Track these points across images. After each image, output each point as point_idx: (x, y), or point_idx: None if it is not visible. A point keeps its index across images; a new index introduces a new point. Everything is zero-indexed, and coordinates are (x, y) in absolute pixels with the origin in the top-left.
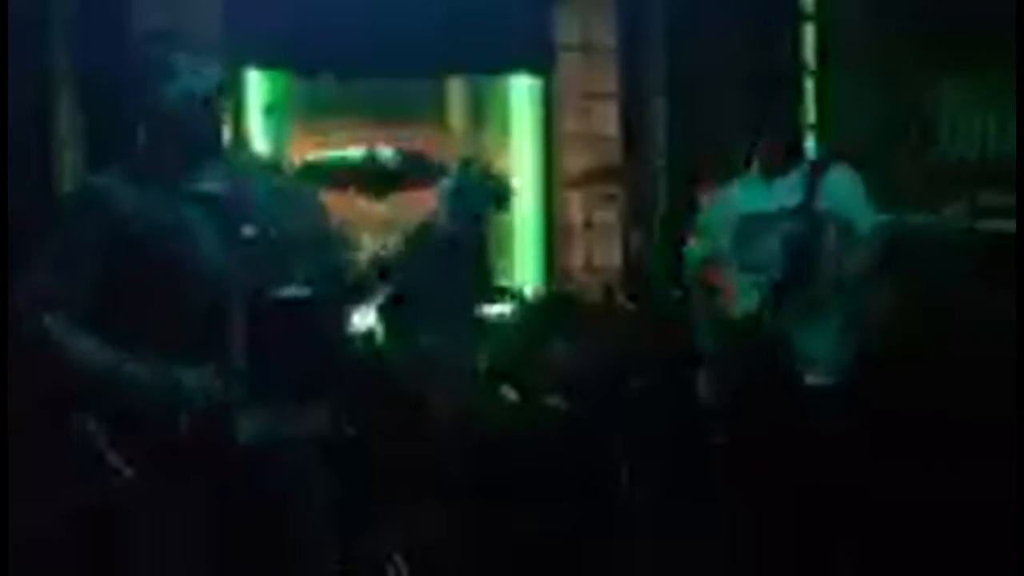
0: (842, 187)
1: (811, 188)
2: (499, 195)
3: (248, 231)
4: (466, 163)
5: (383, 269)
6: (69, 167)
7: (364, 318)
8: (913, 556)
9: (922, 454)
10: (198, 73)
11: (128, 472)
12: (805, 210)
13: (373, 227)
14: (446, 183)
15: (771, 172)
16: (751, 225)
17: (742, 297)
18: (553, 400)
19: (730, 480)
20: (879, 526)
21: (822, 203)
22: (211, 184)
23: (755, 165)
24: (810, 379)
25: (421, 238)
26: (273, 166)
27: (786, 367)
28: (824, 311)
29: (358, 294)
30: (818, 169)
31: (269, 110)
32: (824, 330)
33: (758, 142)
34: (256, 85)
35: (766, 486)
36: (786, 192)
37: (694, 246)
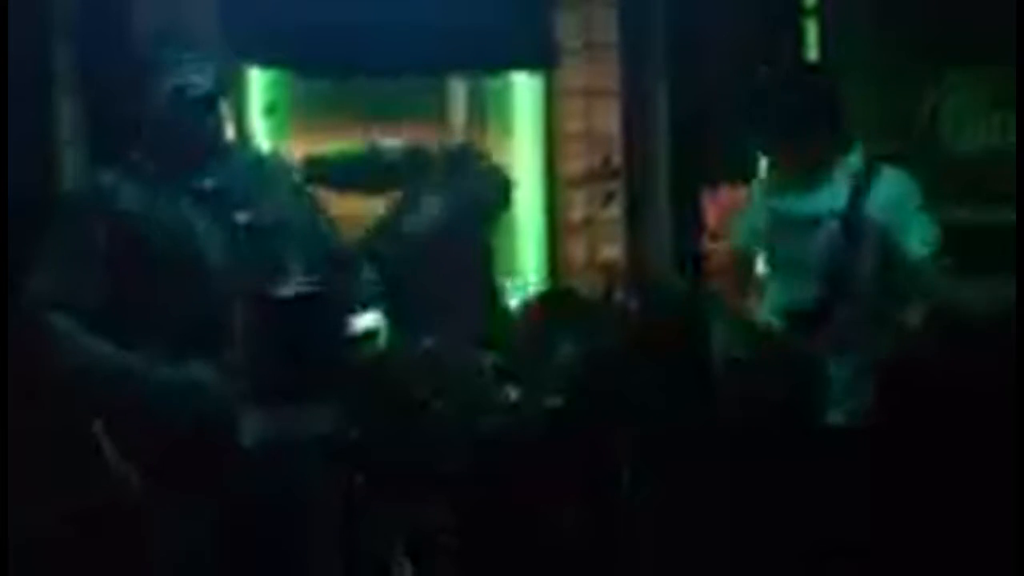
0: (893, 194)
1: (856, 192)
2: (501, 188)
3: (250, 228)
4: (472, 155)
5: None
6: (71, 166)
7: (366, 316)
8: None
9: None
10: (200, 71)
11: (132, 473)
12: (848, 217)
13: (365, 225)
14: (453, 176)
15: (811, 170)
16: (786, 226)
17: (771, 303)
18: (556, 398)
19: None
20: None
21: (868, 211)
22: (214, 182)
23: (791, 162)
24: (832, 418)
25: (427, 231)
26: (276, 163)
27: (812, 398)
28: (859, 339)
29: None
30: (867, 171)
31: (270, 109)
32: (850, 362)
33: (796, 137)
34: (256, 84)
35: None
36: (828, 194)
37: (736, 239)
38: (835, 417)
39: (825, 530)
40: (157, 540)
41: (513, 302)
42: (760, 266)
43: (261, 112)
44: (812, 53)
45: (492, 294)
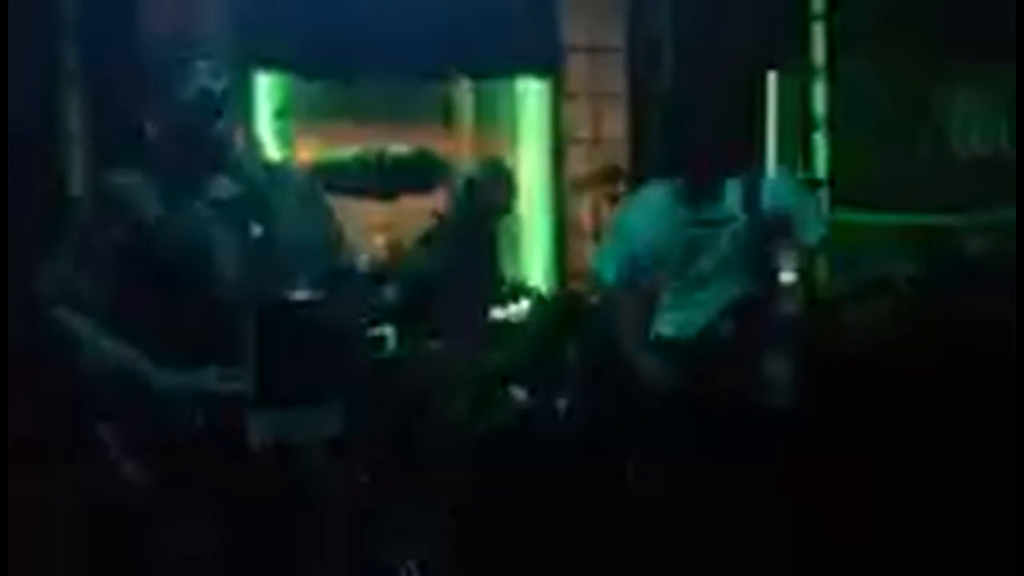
0: (784, 193)
1: (750, 195)
2: (510, 192)
3: (260, 234)
4: (479, 160)
5: (382, 274)
6: (78, 166)
7: (375, 320)
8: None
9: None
10: (211, 75)
11: (137, 473)
12: (749, 219)
13: (374, 230)
14: (459, 180)
15: (705, 178)
16: (687, 234)
17: (677, 311)
18: (563, 400)
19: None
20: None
21: (765, 210)
22: (224, 187)
23: (684, 170)
24: (773, 401)
25: (435, 237)
26: (284, 168)
27: (751, 391)
28: (782, 328)
29: (367, 295)
30: (756, 175)
31: (279, 113)
32: (782, 348)
33: (690, 146)
34: (264, 88)
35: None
36: (725, 200)
37: (609, 249)
38: (778, 398)
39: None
40: (162, 542)
41: (520, 305)
42: (663, 275)
43: (271, 116)
44: (819, 56)
45: (499, 295)
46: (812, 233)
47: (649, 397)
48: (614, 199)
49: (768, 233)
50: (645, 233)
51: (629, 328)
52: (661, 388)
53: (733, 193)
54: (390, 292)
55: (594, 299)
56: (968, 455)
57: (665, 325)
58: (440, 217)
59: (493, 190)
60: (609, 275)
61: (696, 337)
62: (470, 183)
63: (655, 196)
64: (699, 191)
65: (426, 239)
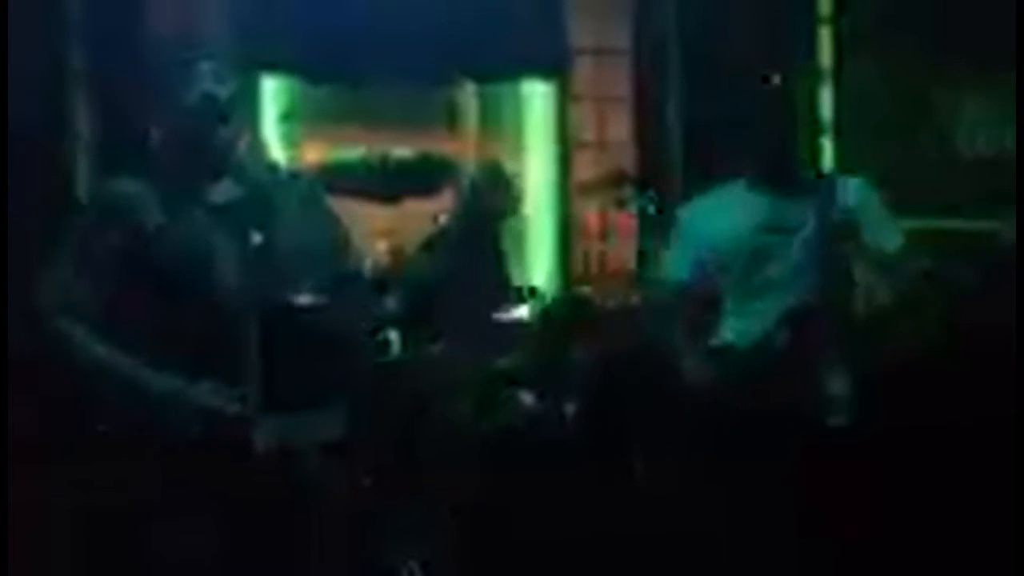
0: (859, 202)
1: (824, 203)
2: (514, 195)
3: (264, 239)
4: (484, 163)
5: (386, 278)
6: (82, 170)
7: (379, 324)
8: None
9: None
10: (216, 79)
11: (142, 477)
12: (820, 227)
13: (378, 234)
14: (464, 183)
15: (777, 183)
16: (754, 242)
17: (738, 319)
18: (569, 403)
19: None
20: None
21: (839, 220)
22: (228, 191)
23: (756, 174)
24: (833, 421)
25: (439, 241)
26: (289, 172)
27: (810, 407)
28: (850, 344)
29: (371, 300)
30: (831, 182)
31: (284, 117)
32: (847, 364)
33: (759, 148)
34: (269, 92)
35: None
36: (796, 207)
37: (678, 251)
38: (836, 420)
39: (829, 530)
40: (164, 545)
41: (526, 308)
42: (728, 284)
43: (275, 120)
44: (826, 59)
45: (504, 298)
46: (889, 240)
47: (696, 404)
48: (620, 203)
49: (837, 240)
50: (713, 237)
51: (687, 333)
52: (709, 396)
53: (803, 199)
54: (394, 296)
55: (609, 303)
56: (980, 461)
57: (727, 332)
58: (438, 220)
59: (494, 193)
60: (682, 276)
61: (752, 347)
62: (472, 186)
63: (723, 199)
64: (770, 196)
65: (429, 243)
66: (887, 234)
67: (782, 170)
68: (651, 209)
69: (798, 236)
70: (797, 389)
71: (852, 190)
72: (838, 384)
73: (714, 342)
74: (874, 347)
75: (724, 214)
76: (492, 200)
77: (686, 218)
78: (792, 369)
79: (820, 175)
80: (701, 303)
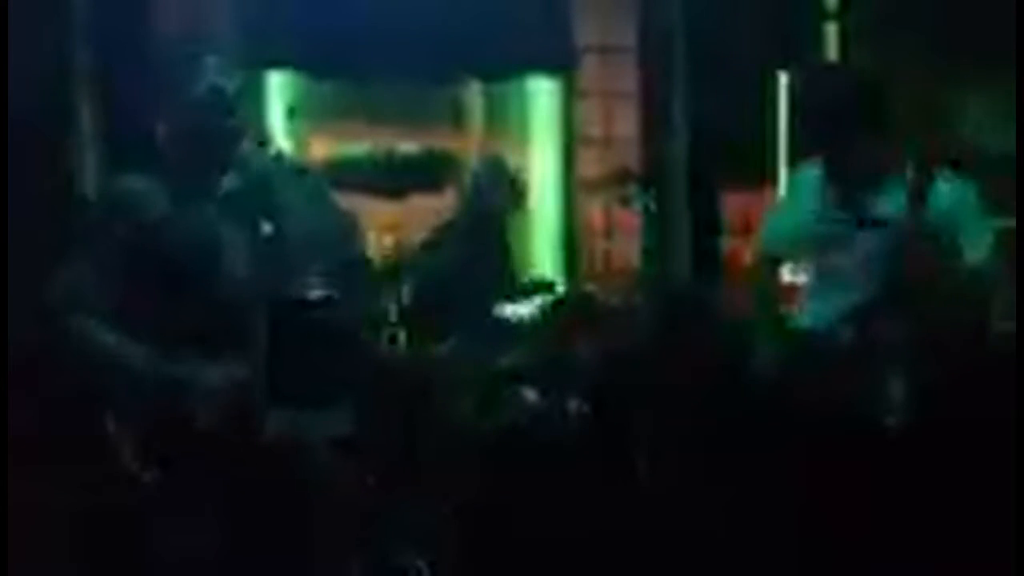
0: (951, 200)
1: (913, 197)
2: (518, 190)
3: (271, 232)
4: (486, 158)
5: (392, 273)
6: (89, 166)
7: (385, 318)
8: None
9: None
10: (222, 74)
11: (148, 470)
12: (905, 222)
13: (383, 230)
14: (467, 178)
15: (866, 171)
16: (835, 229)
17: (814, 309)
18: (573, 400)
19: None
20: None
21: (925, 216)
22: (232, 184)
23: (836, 159)
24: (889, 421)
25: (444, 235)
26: (294, 166)
27: (863, 404)
28: (912, 346)
29: (377, 295)
30: (923, 176)
31: (290, 112)
32: (908, 365)
33: (856, 136)
34: (275, 87)
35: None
36: (881, 197)
37: (763, 240)
38: (898, 417)
39: (865, 530)
40: (171, 541)
41: (531, 305)
42: (795, 274)
43: (282, 115)
44: (832, 56)
45: (510, 295)
46: (975, 246)
47: (757, 390)
48: (625, 200)
49: (920, 238)
50: (799, 213)
51: (765, 308)
52: (774, 381)
53: (890, 193)
54: (400, 292)
55: (613, 300)
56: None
57: (805, 315)
58: (441, 216)
59: (497, 188)
60: (770, 247)
61: (820, 337)
62: (474, 182)
63: (807, 178)
64: (844, 186)
65: (432, 239)
66: (976, 237)
67: (853, 161)
68: (653, 206)
69: (872, 230)
70: (852, 386)
71: (947, 188)
72: (897, 385)
73: (792, 323)
74: (940, 351)
75: (803, 193)
76: (494, 195)
77: (792, 183)
78: (850, 366)
79: (913, 167)
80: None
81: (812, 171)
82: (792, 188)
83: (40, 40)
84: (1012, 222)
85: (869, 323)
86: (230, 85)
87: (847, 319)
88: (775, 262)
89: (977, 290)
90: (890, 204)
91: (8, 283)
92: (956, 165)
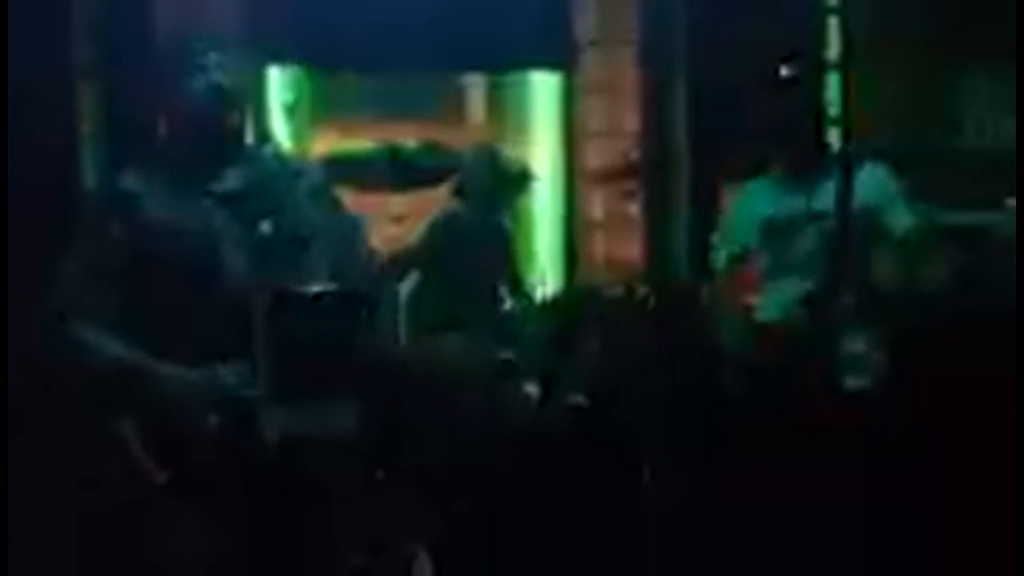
0: (874, 187)
1: (841, 188)
2: (511, 176)
3: (273, 228)
4: (478, 146)
5: (393, 267)
6: (92, 164)
7: (388, 313)
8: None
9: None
10: (224, 69)
11: (159, 473)
12: (836, 212)
13: (386, 223)
14: (460, 167)
15: (798, 172)
16: (780, 227)
17: (772, 300)
18: (575, 396)
19: (759, 481)
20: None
21: (854, 204)
22: (234, 181)
23: (780, 164)
24: (849, 383)
25: (443, 228)
26: (297, 162)
27: (826, 373)
28: (862, 318)
29: (379, 288)
30: (848, 168)
31: (291, 107)
32: (862, 335)
33: (782, 141)
34: (276, 82)
35: (798, 490)
36: (815, 193)
37: (720, 244)
38: (859, 380)
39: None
40: (176, 537)
41: (532, 299)
42: (761, 267)
43: (281, 111)
44: (833, 49)
45: (512, 288)
46: (898, 225)
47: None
48: (629, 194)
49: (856, 227)
50: (744, 223)
51: (726, 315)
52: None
53: (827, 187)
54: (401, 285)
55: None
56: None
57: (759, 312)
58: (449, 215)
59: (486, 174)
60: (719, 264)
61: (772, 325)
62: (465, 169)
63: (754, 188)
64: (792, 184)
65: (428, 231)
66: (900, 217)
67: (800, 159)
68: (654, 201)
69: (816, 224)
70: (814, 363)
71: (870, 177)
72: (856, 351)
73: (752, 320)
74: (887, 321)
75: (752, 201)
76: (485, 181)
77: (732, 207)
78: (809, 346)
79: (841, 163)
80: (744, 286)
81: (750, 186)
82: (734, 208)
83: (40, 36)
84: (953, 216)
85: (821, 308)
86: (232, 81)
87: (799, 305)
88: (739, 259)
89: (905, 262)
90: (826, 198)
91: (9, 283)
92: (879, 156)
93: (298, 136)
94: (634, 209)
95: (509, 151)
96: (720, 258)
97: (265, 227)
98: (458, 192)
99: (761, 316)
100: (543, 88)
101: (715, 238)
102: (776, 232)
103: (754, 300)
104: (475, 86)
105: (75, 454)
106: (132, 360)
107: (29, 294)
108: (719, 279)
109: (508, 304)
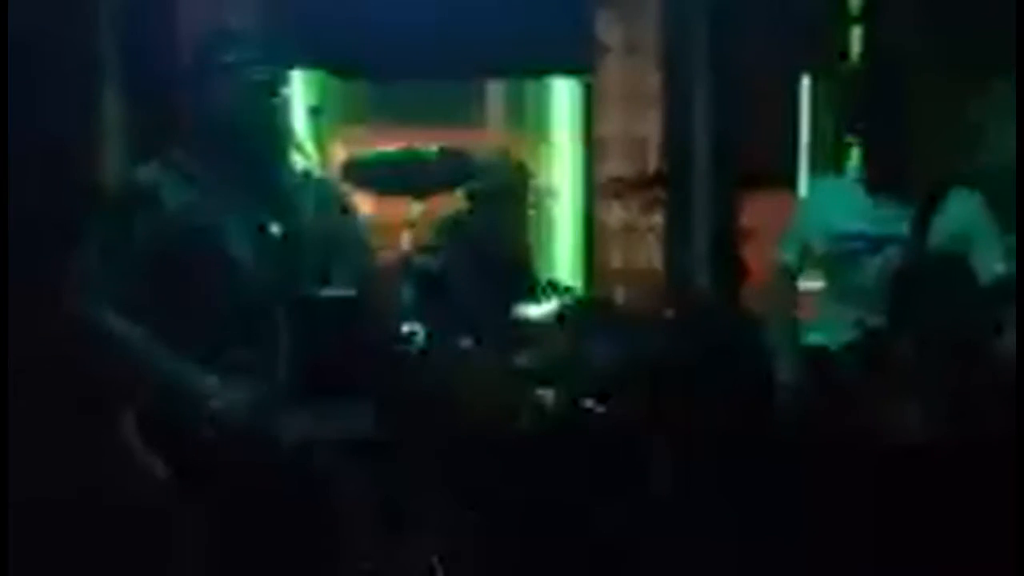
0: (962, 220)
1: (922, 216)
2: (522, 180)
3: (292, 231)
4: (491, 150)
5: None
6: (113, 159)
7: (402, 317)
8: None
9: None
10: (247, 73)
11: (163, 470)
12: (913, 242)
13: (403, 228)
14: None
15: (879, 183)
16: (848, 245)
17: (828, 324)
18: (590, 403)
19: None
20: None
21: (935, 237)
22: (258, 185)
23: (858, 170)
24: (893, 438)
25: (450, 233)
26: (311, 168)
27: (867, 421)
28: (923, 371)
29: (396, 293)
30: (934, 194)
31: (314, 111)
32: (919, 392)
33: (868, 143)
34: (300, 86)
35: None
36: (894, 213)
37: (791, 232)
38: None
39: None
40: (189, 537)
41: (550, 306)
42: (811, 284)
43: (305, 114)
44: (855, 59)
45: (529, 295)
46: (987, 269)
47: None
48: (652, 204)
49: (937, 261)
50: (818, 224)
51: (780, 319)
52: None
53: (908, 211)
54: (418, 289)
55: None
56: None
57: (815, 331)
58: (458, 219)
59: (499, 179)
60: (790, 257)
61: (835, 356)
62: (481, 174)
63: (834, 190)
64: (871, 200)
65: (440, 235)
66: (990, 258)
67: (882, 169)
68: (674, 209)
69: (890, 248)
70: (861, 412)
71: (961, 206)
72: (910, 409)
73: (806, 340)
74: (953, 374)
75: (830, 205)
76: (499, 185)
77: (804, 202)
78: (859, 389)
79: (932, 186)
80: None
81: (829, 182)
82: (809, 201)
83: (65, 34)
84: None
85: (880, 348)
86: (254, 84)
87: (858, 343)
88: (792, 275)
89: (991, 310)
90: (906, 222)
91: (24, 276)
92: (968, 180)
93: (320, 140)
94: (654, 217)
95: (525, 159)
96: (796, 251)
97: (285, 230)
98: (471, 197)
99: (810, 338)
100: (564, 94)
101: (778, 250)
102: (844, 246)
103: (802, 314)
104: (495, 92)
105: (86, 455)
106: (150, 352)
107: (45, 287)
108: (768, 292)
109: (527, 310)
